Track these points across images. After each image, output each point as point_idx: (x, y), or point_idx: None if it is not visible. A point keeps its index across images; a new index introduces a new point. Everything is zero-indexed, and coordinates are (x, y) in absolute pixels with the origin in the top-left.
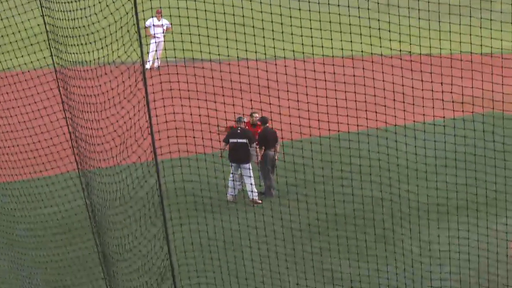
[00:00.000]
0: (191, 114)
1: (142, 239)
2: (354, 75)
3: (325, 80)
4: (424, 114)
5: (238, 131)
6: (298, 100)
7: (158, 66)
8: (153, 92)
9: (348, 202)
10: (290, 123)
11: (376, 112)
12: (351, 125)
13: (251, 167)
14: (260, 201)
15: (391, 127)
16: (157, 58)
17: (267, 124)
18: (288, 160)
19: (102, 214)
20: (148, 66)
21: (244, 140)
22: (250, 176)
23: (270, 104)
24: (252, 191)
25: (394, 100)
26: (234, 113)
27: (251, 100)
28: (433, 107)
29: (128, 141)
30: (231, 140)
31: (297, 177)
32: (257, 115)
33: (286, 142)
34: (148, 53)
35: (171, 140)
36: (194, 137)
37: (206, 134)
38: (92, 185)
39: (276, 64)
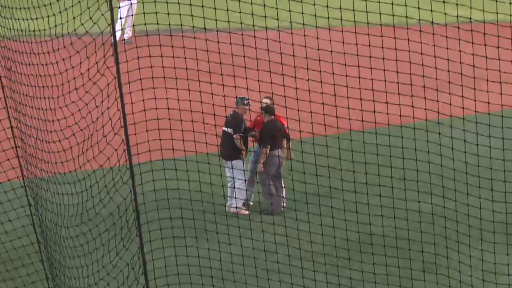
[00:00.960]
0: (178, 100)
1: (111, 269)
2: (395, 49)
3: (357, 55)
4: (488, 102)
5: (228, 117)
6: (321, 81)
7: (130, 38)
8: (128, 71)
9: (388, 218)
10: (311, 112)
11: (425, 99)
12: (392, 115)
13: (239, 167)
14: (246, 211)
15: (445, 119)
16: (130, 26)
17: (273, 116)
18: (307, 160)
19: (55, 237)
20: (126, 36)
21: (228, 129)
22: (233, 178)
23: (284, 86)
24: (233, 197)
25: (449, 82)
26: (236, 97)
27: (258, 81)
28: (501, 94)
29: (93, 137)
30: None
31: (320, 183)
32: (268, 101)
33: (307, 139)
34: (119, 19)
35: (152, 135)
36: (182, 131)
37: (198, 127)
38: (42, 197)
39: (292, 34)
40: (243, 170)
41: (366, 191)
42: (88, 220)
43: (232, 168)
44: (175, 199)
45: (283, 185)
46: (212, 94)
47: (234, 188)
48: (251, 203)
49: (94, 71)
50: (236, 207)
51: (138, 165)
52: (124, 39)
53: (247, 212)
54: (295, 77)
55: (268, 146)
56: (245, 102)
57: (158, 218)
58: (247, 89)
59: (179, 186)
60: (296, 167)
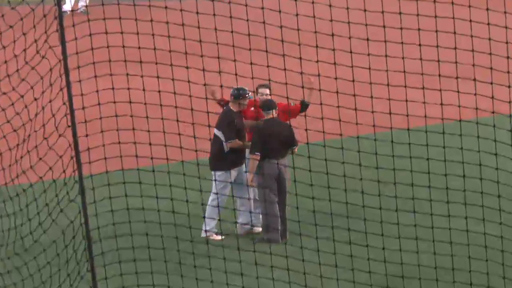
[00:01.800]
0: (143, 91)
1: None
2: (435, 16)
3: (384, 27)
4: None
5: (220, 115)
6: (335, 63)
7: (86, 7)
8: (77, 53)
9: (424, 241)
10: (321, 104)
11: (457, 93)
12: (431, 105)
13: (222, 179)
14: (218, 237)
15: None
16: None
17: (271, 112)
18: (316, 167)
19: None
20: (68, 7)
21: (217, 131)
22: (216, 194)
23: (284, 70)
24: (207, 218)
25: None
26: (222, 86)
27: (251, 64)
28: None
29: (31, 140)
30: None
31: (333, 197)
32: (266, 91)
33: (317, 143)
34: None
35: (109, 137)
36: (149, 131)
37: (170, 126)
38: None
39: (296, 0)
40: (228, 184)
41: (395, 207)
42: (23, 250)
43: (213, 180)
44: (140, 222)
45: (286, 209)
46: (189, 82)
47: (218, 207)
48: (248, 226)
49: (32, 52)
50: (205, 231)
51: (90, 177)
52: (79, 9)
53: (219, 237)
54: (300, 58)
55: (258, 154)
56: (243, 94)
57: (117, 248)
58: (236, 75)
59: (144, 205)
60: (301, 177)
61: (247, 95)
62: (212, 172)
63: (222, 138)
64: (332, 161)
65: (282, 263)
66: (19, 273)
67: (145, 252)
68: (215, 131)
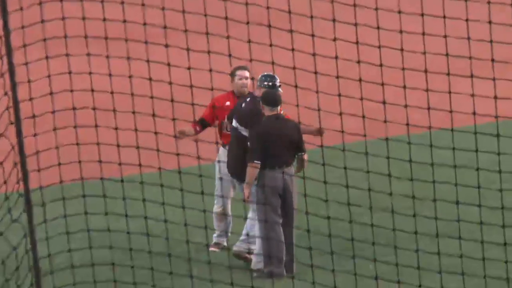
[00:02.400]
0: (109, 76)
1: None
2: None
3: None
4: None
5: (240, 105)
6: (357, 42)
7: None
8: (23, 27)
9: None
10: (339, 96)
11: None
12: (484, 97)
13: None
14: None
15: None
16: None
17: (277, 108)
18: (333, 179)
19: None
20: None
21: (238, 126)
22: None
23: (292, 50)
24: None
25: None
26: (211, 70)
27: (249, 42)
28: None
29: None
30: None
31: (355, 226)
32: (245, 74)
33: (335, 146)
34: None
35: (64, 137)
36: (116, 129)
37: (144, 123)
38: None
39: None
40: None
41: (435, 231)
42: None
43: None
44: (104, 249)
45: (292, 232)
46: (168, 65)
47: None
48: (224, 243)
49: None
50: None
51: (39, 189)
52: None
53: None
54: (313, 35)
55: (258, 163)
56: (272, 83)
57: (74, 283)
58: (230, 56)
59: (110, 226)
60: (313, 190)
61: (273, 83)
62: (244, 185)
63: (246, 133)
64: (354, 170)
65: None
66: None
67: (110, 287)
68: (237, 126)
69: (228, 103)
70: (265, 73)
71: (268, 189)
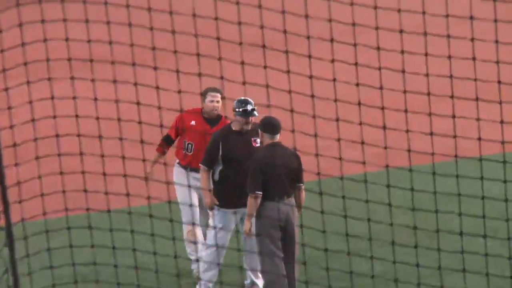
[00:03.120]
0: (95, 101)
1: None
2: None
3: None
4: None
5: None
6: (356, 63)
7: None
8: (2, 51)
9: None
10: (338, 121)
11: None
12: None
13: (214, 218)
14: None
15: None
16: None
17: (277, 136)
18: (331, 207)
19: None
20: None
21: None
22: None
23: (288, 72)
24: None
25: None
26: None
27: (242, 64)
28: None
29: None
30: (232, 154)
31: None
32: (217, 97)
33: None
34: None
35: (47, 166)
36: (102, 157)
37: (133, 149)
38: None
39: None
40: (215, 229)
41: (460, 265)
42: None
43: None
44: (90, 284)
45: (295, 267)
46: (157, 89)
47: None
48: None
49: None
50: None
51: (21, 222)
52: None
53: None
54: (310, 56)
55: (260, 193)
56: (243, 109)
57: None
58: (222, 78)
59: (97, 260)
60: (311, 220)
61: (244, 109)
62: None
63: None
64: (353, 199)
65: None
66: None
67: None
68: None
69: (193, 122)
70: (239, 98)
71: (268, 221)
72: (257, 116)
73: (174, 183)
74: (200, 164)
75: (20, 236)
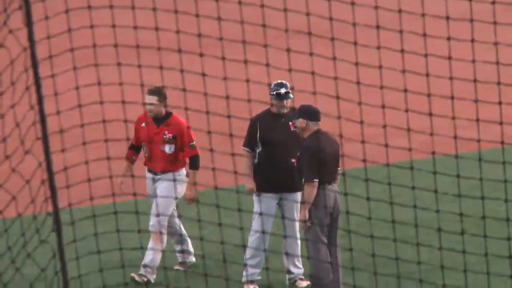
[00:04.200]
0: (141, 86)
1: None
2: None
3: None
4: None
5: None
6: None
7: None
8: (49, 37)
9: None
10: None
11: None
12: None
13: (255, 206)
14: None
15: None
16: None
17: (319, 123)
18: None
19: None
20: None
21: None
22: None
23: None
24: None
25: None
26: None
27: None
28: None
29: None
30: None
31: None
32: (153, 99)
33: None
34: None
35: (94, 152)
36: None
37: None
38: None
39: None
40: (259, 215)
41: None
42: None
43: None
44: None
45: (338, 252)
46: (203, 75)
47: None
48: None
49: None
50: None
51: (68, 208)
52: None
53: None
54: (356, 43)
55: (317, 181)
56: (277, 93)
57: None
58: (267, 65)
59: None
60: (360, 207)
61: (279, 91)
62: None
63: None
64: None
65: None
66: None
67: None
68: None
69: (143, 124)
70: (275, 81)
71: (322, 209)
72: (292, 99)
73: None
74: (242, 147)
75: (68, 222)
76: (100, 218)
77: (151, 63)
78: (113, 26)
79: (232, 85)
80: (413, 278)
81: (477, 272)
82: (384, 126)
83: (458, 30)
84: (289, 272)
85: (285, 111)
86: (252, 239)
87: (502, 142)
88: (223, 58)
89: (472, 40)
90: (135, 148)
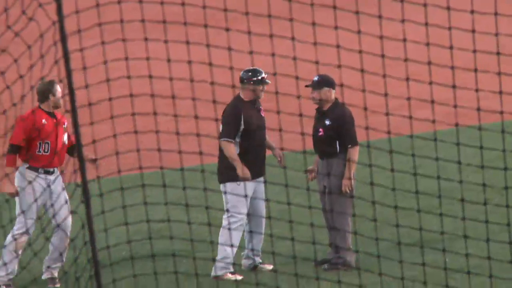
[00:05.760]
0: (168, 61)
1: None
2: None
3: None
4: None
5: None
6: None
7: None
8: (77, 11)
9: None
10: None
11: None
12: None
13: (235, 192)
14: (232, 276)
15: None
16: None
17: (329, 89)
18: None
19: None
20: None
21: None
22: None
23: (292, 39)
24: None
25: None
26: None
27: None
28: None
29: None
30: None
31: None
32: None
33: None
34: None
35: (122, 125)
36: (175, 117)
37: (207, 109)
38: None
39: None
40: (243, 198)
41: None
42: (7, 280)
43: (224, 194)
44: (164, 239)
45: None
46: (229, 50)
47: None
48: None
49: (16, 13)
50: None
51: (97, 179)
52: None
53: (234, 277)
54: (380, 16)
55: (357, 147)
56: (261, 78)
57: (134, 274)
58: (293, 39)
59: (170, 216)
60: (385, 179)
61: (259, 78)
62: (222, 185)
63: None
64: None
65: None
66: None
67: (171, 279)
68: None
69: (44, 121)
70: (250, 68)
71: (354, 181)
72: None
73: (20, 188)
74: (222, 140)
75: (96, 193)
76: (128, 191)
77: (177, 38)
78: (140, 1)
79: (258, 59)
80: (437, 247)
81: (499, 241)
82: (408, 98)
83: (482, 3)
84: (252, 255)
85: (262, 96)
86: (233, 220)
87: None
88: (249, 33)
89: (496, 13)
90: (18, 151)
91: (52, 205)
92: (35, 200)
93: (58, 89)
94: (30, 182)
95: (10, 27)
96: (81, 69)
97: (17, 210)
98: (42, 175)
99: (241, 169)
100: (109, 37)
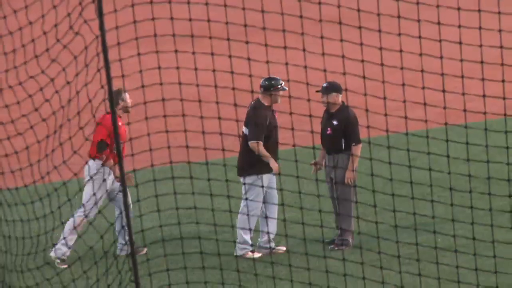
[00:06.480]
0: (195, 70)
1: None
2: None
3: None
4: None
5: (248, 109)
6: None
7: None
8: (117, 27)
9: None
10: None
11: None
12: None
13: (254, 185)
14: (252, 254)
15: None
16: None
17: (337, 94)
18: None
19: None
20: None
21: (244, 129)
22: (246, 199)
23: (303, 50)
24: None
25: None
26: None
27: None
28: None
29: (63, 131)
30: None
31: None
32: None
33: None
34: None
35: (154, 125)
36: (201, 118)
37: (227, 111)
38: None
39: None
40: (261, 189)
41: None
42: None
43: (244, 185)
44: (191, 224)
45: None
46: (249, 60)
47: (248, 215)
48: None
49: (64, 27)
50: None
51: (133, 171)
52: None
53: (253, 255)
54: (380, 31)
55: (360, 144)
56: (276, 85)
57: (165, 254)
58: (304, 50)
59: (197, 204)
60: (383, 170)
61: (279, 86)
62: (241, 178)
63: (248, 134)
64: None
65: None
66: (51, 286)
67: (198, 260)
68: (244, 129)
69: (120, 123)
70: (272, 77)
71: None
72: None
73: (94, 180)
74: (253, 141)
75: (132, 186)
76: (159, 182)
77: (204, 50)
78: (171, 18)
79: (274, 67)
80: (429, 230)
81: (483, 224)
82: (404, 101)
83: (468, 18)
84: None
85: (279, 101)
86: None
87: (505, 114)
88: (266, 45)
89: (480, 28)
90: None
91: (116, 193)
92: (106, 190)
93: (127, 95)
94: (98, 174)
95: (59, 40)
96: (120, 76)
97: (84, 197)
98: (107, 170)
99: (274, 164)
100: (144, 49)
